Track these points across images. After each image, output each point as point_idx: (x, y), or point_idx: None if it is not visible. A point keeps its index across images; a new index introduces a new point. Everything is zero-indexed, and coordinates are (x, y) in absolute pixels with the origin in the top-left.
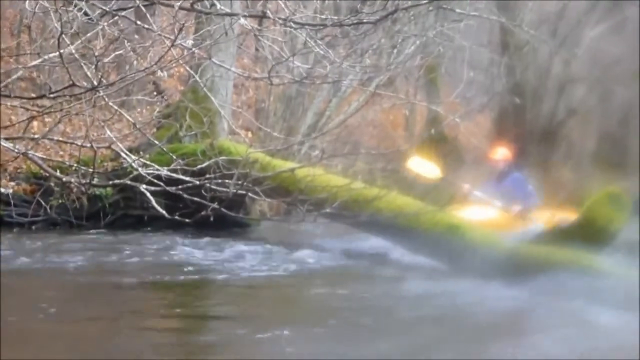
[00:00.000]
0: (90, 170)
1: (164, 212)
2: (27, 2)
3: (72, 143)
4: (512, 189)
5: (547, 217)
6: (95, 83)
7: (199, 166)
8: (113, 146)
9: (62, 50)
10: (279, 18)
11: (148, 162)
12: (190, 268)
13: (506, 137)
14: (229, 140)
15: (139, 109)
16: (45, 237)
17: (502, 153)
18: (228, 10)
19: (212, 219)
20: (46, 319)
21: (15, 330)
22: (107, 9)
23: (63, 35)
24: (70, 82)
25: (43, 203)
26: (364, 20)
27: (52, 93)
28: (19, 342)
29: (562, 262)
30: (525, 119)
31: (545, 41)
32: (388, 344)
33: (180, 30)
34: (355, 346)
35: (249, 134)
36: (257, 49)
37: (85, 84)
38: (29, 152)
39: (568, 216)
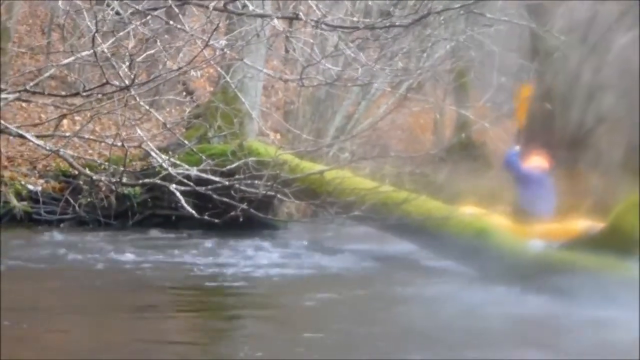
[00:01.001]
0: (120, 168)
1: (193, 212)
2: (60, 0)
3: (103, 142)
4: (536, 195)
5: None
6: (128, 82)
7: (228, 167)
8: (144, 145)
9: (96, 49)
10: (311, 20)
11: (178, 162)
12: (215, 270)
13: (535, 143)
14: (258, 141)
15: (167, 109)
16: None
17: (537, 161)
18: (260, 12)
19: (241, 219)
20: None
21: (31, 328)
22: (139, 8)
23: (95, 34)
24: (104, 81)
25: (72, 201)
26: (397, 24)
27: (86, 91)
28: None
29: (590, 269)
30: (554, 125)
31: (575, 47)
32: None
33: (214, 30)
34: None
35: (278, 136)
36: (286, 51)
37: (116, 82)
38: (61, 150)
39: (595, 224)
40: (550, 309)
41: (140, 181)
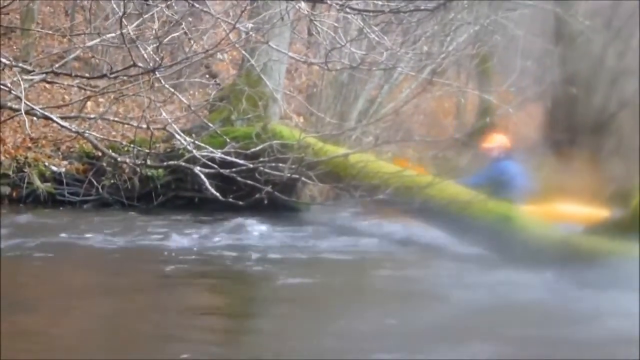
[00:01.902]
0: (144, 150)
1: (217, 194)
2: None
3: (128, 124)
4: (500, 178)
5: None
6: (154, 64)
7: (252, 149)
8: (168, 127)
9: (123, 31)
10: (336, 3)
11: (202, 145)
12: (235, 252)
13: (558, 128)
14: (282, 124)
15: (191, 92)
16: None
17: (497, 140)
18: None
19: (265, 202)
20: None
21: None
22: None
23: (119, 16)
24: (130, 63)
25: (95, 183)
26: (421, 8)
27: (113, 73)
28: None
29: (613, 253)
30: (577, 110)
31: (599, 32)
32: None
33: (242, 13)
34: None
35: (301, 119)
36: (310, 34)
37: (142, 65)
38: (86, 131)
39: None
40: (571, 295)
41: (165, 163)
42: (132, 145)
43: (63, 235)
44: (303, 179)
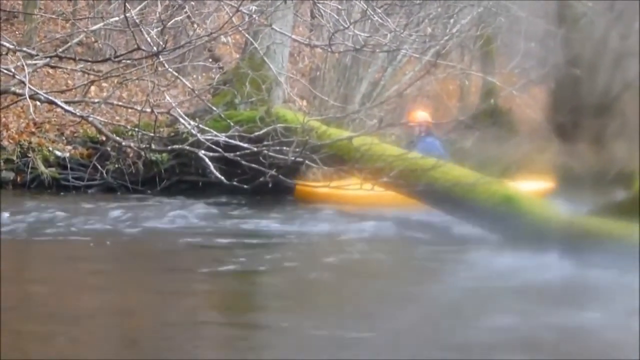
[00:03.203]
0: (148, 134)
1: (222, 177)
2: None
3: (132, 108)
4: (425, 152)
5: None
6: (157, 48)
7: (256, 133)
8: (172, 111)
9: (127, 15)
10: None
11: (206, 128)
12: (237, 238)
13: (561, 110)
14: (286, 107)
15: (194, 75)
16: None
17: (419, 118)
18: None
19: (270, 185)
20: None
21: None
22: None
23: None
24: (135, 46)
25: (99, 167)
26: None
27: (117, 57)
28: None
29: (616, 235)
30: (581, 91)
31: (602, 14)
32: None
33: None
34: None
35: (304, 102)
36: (313, 17)
37: (145, 49)
38: (91, 116)
39: None
40: (575, 276)
41: (169, 147)
42: (136, 130)
43: (67, 219)
44: (307, 162)
